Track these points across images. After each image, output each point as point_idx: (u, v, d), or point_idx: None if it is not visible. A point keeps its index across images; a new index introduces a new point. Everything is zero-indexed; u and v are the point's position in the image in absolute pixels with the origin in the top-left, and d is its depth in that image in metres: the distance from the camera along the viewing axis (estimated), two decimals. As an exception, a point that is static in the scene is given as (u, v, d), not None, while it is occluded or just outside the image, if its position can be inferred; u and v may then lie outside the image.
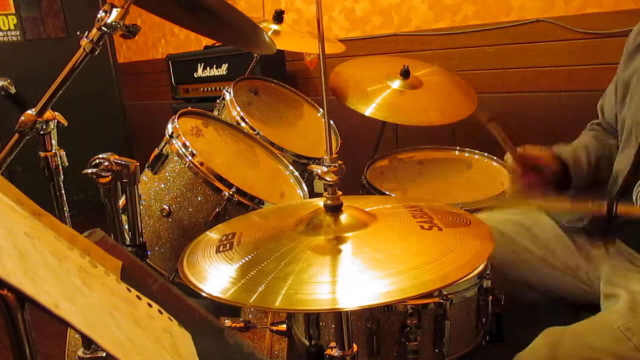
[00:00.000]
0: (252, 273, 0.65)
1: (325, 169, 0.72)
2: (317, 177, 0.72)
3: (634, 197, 1.10)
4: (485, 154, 1.77)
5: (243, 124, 1.56)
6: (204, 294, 0.63)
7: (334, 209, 0.74)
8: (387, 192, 1.57)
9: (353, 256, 0.68)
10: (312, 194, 1.53)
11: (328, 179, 0.72)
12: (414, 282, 0.59)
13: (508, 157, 1.18)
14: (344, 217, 0.74)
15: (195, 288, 0.64)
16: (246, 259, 0.69)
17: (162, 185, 1.29)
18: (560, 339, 0.99)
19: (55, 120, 1.04)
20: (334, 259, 0.66)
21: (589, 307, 1.16)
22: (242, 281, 0.64)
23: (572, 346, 0.97)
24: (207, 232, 0.83)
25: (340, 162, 0.73)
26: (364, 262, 0.66)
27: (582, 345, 0.96)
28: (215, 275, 0.67)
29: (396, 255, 0.66)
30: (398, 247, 0.70)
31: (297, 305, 0.60)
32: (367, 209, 0.79)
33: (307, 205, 0.87)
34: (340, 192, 0.74)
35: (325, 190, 0.74)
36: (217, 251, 0.73)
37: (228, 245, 0.74)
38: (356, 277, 0.62)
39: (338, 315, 0.75)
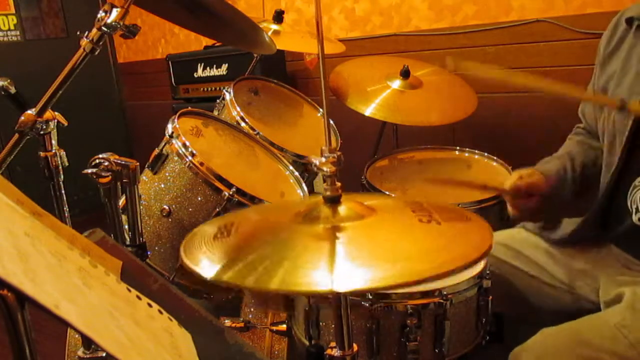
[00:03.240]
0: (249, 258, 0.64)
1: (323, 160, 0.72)
2: (315, 168, 0.72)
3: (629, 202, 1.09)
4: (485, 154, 1.77)
5: (243, 124, 1.56)
6: (201, 272, 0.61)
7: (333, 200, 0.73)
8: (387, 192, 1.57)
9: (350, 244, 0.67)
10: (312, 194, 1.53)
11: (326, 169, 0.72)
12: (409, 270, 0.58)
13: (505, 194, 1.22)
14: (342, 209, 0.73)
15: (193, 271, 0.63)
16: (243, 246, 0.69)
17: (162, 185, 1.29)
18: (557, 336, 0.99)
19: (55, 120, 1.04)
20: (330, 245, 0.66)
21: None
22: (239, 265, 0.63)
23: (568, 343, 0.97)
24: (204, 225, 0.82)
25: (339, 152, 0.72)
26: (360, 249, 0.65)
27: (578, 342, 0.96)
28: (212, 259, 0.66)
29: (393, 244, 0.66)
30: (395, 237, 0.69)
31: (293, 287, 0.59)
32: (366, 202, 0.79)
33: (305, 203, 0.87)
34: (339, 184, 0.74)
35: (325, 181, 0.73)
36: (215, 238, 0.72)
37: (226, 233, 0.74)
38: (352, 262, 0.62)
39: (338, 315, 0.75)
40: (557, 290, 1.22)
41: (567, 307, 1.22)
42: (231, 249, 0.68)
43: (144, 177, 1.32)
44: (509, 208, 1.25)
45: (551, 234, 1.26)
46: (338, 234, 0.68)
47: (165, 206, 1.27)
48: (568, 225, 1.24)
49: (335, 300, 0.73)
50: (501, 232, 1.36)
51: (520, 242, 1.29)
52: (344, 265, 0.61)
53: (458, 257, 0.61)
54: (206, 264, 0.64)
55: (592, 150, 1.28)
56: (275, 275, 0.59)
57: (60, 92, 1.01)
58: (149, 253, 1.22)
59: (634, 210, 1.08)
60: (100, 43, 1.01)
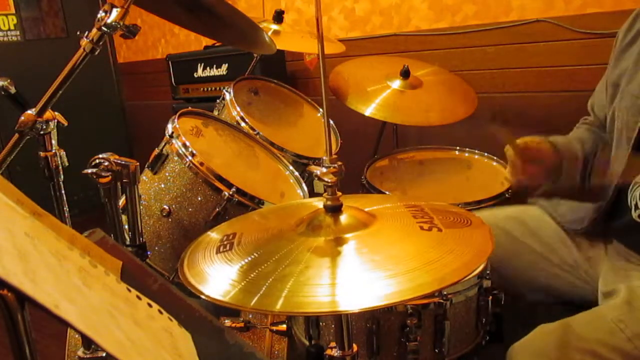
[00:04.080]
0: (252, 275, 0.65)
1: (324, 170, 0.72)
2: (316, 178, 0.72)
3: (629, 199, 1.10)
4: (485, 154, 1.77)
5: (243, 124, 1.56)
6: (203, 297, 0.63)
7: (334, 210, 0.74)
8: (387, 192, 1.57)
9: (352, 258, 0.68)
10: (312, 194, 1.53)
11: (327, 179, 0.72)
12: (412, 284, 0.59)
13: (508, 149, 1.19)
14: (343, 218, 0.74)
15: (196, 290, 0.64)
16: (246, 260, 0.69)
17: (162, 185, 1.29)
18: (554, 331, 1.00)
19: (55, 120, 1.04)
20: (333, 261, 0.66)
21: (588, 306, 1.16)
22: (242, 283, 0.64)
23: (565, 338, 0.98)
24: (209, 233, 0.83)
25: (339, 163, 0.73)
26: (363, 263, 0.66)
27: (575, 337, 0.97)
28: (215, 277, 0.67)
29: (395, 257, 0.66)
30: (397, 248, 0.70)
31: (297, 308, 0.60)
32: (367, 209, 0.79)
33: (307, 205, 0.87)
34: (340, 193, 0.74)
35: (325, 191, 0.74)
36: (217, 252, 0.73)
37: (228, 245, 0.74)
38: (355, 279, 0.62)
39: (338, 316, 0.75)
40: (562, 271, 1.23)
41: (568, 289, 1.22)
42: (233, 265, 0.69)
43: (144, 177, 1.32)
44: (509, 174, 1.23)
45: (564, 216, 1.26)
46: (340, 248, 0.68)
47: (165, 206, 1.27)
48: (583, 211, 1.23)
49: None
50: (514, 206, 1.35)
51: (532, 218, 1.29)
52: (347, 283, 0.62)
53: (461, 267, 0.62)
54: (209, 284, 0.65)
55: (602, 140, 1.28)
56: (280, 296, 0.59)
57: (60, 92, 1.01)
58: (149, 253, 1.22)
59: (633, 207, 1.09)
60: (100, 43, 1.01)
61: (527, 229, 1.27)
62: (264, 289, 0.61)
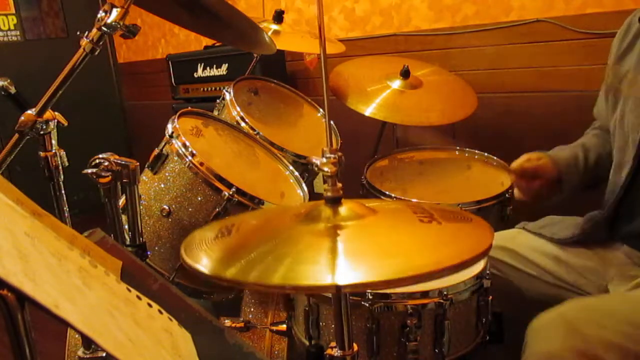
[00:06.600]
0: (251, 255, 0.64)
1: (324, 160, 0.72)
2: (316, 168, 0.72)
3: None
4: (485, 154, 1.77)
5: (243, 124, 1.56)
6: (202, 269, 0.61)
7: (334, 201, 0.73)
8: (387, 192, 1.57)
9: (351, 240, 0.67)
10: (312, 194, 1.53)
11: (327, 169, 0.72)
12: (410, 265, 0.58)
13: (510, 174, 1.24)
14: (343, 210, 0.73)
15: (195, 270, 0.63)
16: (244, 244, 0.69)
17: (162, 185, 1.29)
18: (579, 308, 0.97)
19: (55, 120, 1.04)
20: (332, 242, 0.66)
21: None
22: (241, 261, 0.63)
23: (590, 315, 0.94)
24: (203, 229, 0.82)
25: (339, 153, 0.72)
26: (361, 245, 0.66)
27: (602, 313, 0.94)
28: (213, 257, 0.66)
29: (394, 240, 0.67)
30: (396, 234, 0.70)
31: (295, 282, 0.59)
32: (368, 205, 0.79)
33: (306, 206, 0.87)
34: (340, 184, 0.74)
35: (325, 182, 0.73)
36: (216, 237, 0.72)
37: (226, 232, 0.74)
38: (353, 257, 0.62)
39: (338, 315, 0.75)
40: (559, 289, 1.22)
41: None
42: (232, 247, 0.68)
43: (144, 177, 1.32)
44: (516, 194, 1.28)
45: (556, 234, 1.26)
46: (339, 232, 0.68)
47: (165, 206, 1.27)
48: (574, 225, 1.24)
49: (335, 299, 0.73)
50: (501, 233, 1.35)
51: (520, 244, 1.28)
52: (345, 261, 0.61)
53: (458, 253, 0.61)
54: (207, 262, 0.64)
55: (609, 144, 1.28)
56: (278, 271, 0.59)
57: (60, 92, 1.01)
58: (149, 253, 1.22)
59: None
60: (100, 43, 1.01)
61: (514, 255, 1.27)
62: (262, 265, 0.60)
